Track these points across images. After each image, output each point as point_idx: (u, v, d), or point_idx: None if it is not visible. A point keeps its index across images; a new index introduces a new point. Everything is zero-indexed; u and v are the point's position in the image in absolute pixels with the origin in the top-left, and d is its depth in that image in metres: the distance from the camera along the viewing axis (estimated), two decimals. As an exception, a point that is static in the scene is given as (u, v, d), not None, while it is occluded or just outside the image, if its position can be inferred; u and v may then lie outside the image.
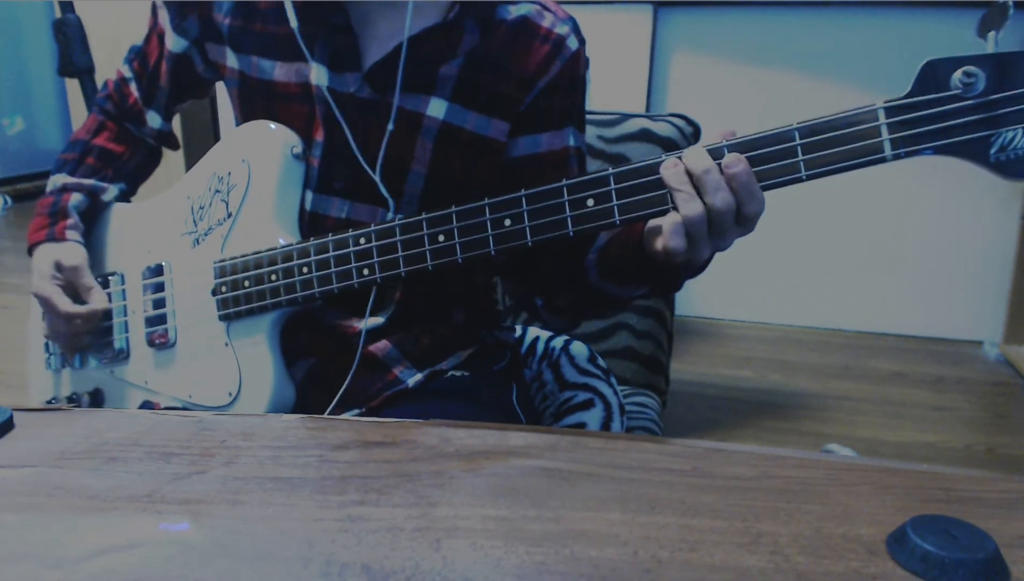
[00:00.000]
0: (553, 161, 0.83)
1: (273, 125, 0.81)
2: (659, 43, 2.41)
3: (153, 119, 0.95)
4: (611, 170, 0.65)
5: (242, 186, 0.81)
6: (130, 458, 0.54)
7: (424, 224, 0.71)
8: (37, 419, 0.61)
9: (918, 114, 0.57)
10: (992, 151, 0.56)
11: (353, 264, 0.74)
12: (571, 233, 0.67)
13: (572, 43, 0.81)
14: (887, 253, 2.46)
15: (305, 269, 0.76)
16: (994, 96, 0.56)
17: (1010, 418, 2.02)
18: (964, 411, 2.04)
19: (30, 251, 0.89)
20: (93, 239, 0.94)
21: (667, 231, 0.64)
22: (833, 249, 2.49)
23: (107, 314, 0.90)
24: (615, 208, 0.65)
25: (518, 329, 1.06)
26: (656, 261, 0.69)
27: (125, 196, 0.98)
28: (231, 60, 0.84)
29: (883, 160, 0.58)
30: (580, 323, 0.96)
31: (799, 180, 0.60)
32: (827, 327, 2.56)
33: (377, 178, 0.78)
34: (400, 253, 0.72)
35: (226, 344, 0.81)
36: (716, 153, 0.62)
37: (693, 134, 1.26)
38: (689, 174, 0.62)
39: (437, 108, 0.79)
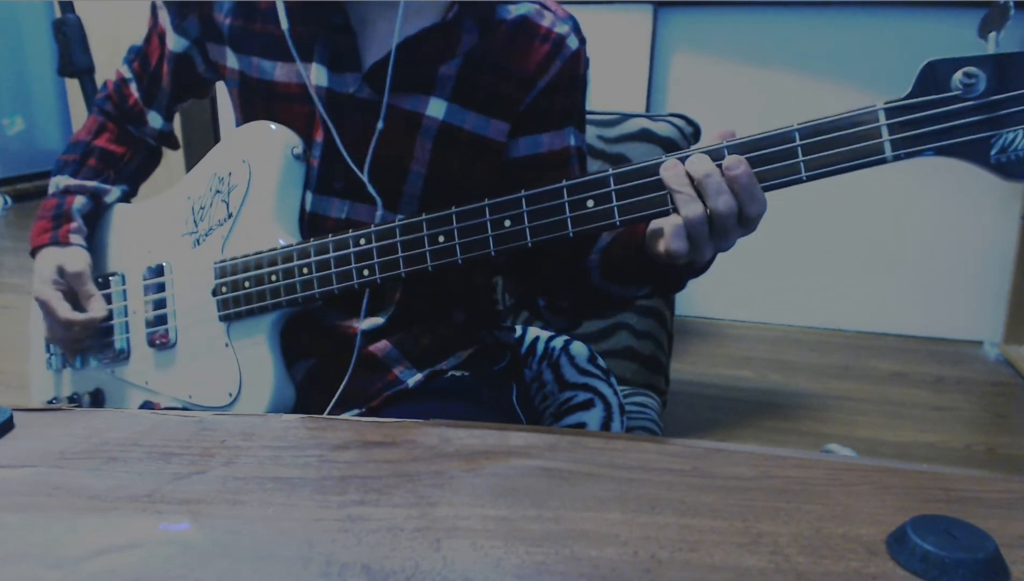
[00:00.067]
0: (554, 161, 0.83)
1: (273, 126, 0.81)
2: (659, 43, 2.41)
3: (154, 119, 0.95)
4: (611, 171, 0.65)
5: (242, 186, 0.81)
6: (130, 458, 0.54)
7: (424, 225, 0.71)
8: (37, 419, 0.61)
9: (919, 115, 0.57)
10: (993, 152, 0.56)
11: (353, 265, 0.74)
12: (571, 234, 0.66)
13: (572, 42, 0.81)
14: (887, 253, 2.46)
15: (305, 269, 0.76)
16: (995, 97, 0.56)
17: (1010, 418, 2.02)
18: (964, 411, 2.04)
19: (33, 254, 0.89)
20: (94, 240, 0.94)
21: (668, 234, 0.64)
22: (833, 249, 2.49)
23: (109, 313, 0.90)
24: (615, 209, 0.65)
25: (518, 329, 1.06)
26: (658, 262, 0.69)
27: (126, 197, 0.98)
28: (231, 60, 0.84)
29: (883, 161, 0.58)
30: (582, 323, 0.96)
31: (799, 181, 0.60)
32: (827, 327, 2.56)
33: (365, 177, 0.78)
34: (400, 254, 0.72)
35: (226, 344, 0.81)
36: (716, 154, 0.62)
37: (693, 134, 1.26)
38: (690, 177, 0.62)
39: (436, 108, 0.79)
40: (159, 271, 0.87)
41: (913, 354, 2.37)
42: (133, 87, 0.95)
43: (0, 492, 0.49)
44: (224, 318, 0.81)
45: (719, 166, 0.61)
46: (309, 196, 0.81)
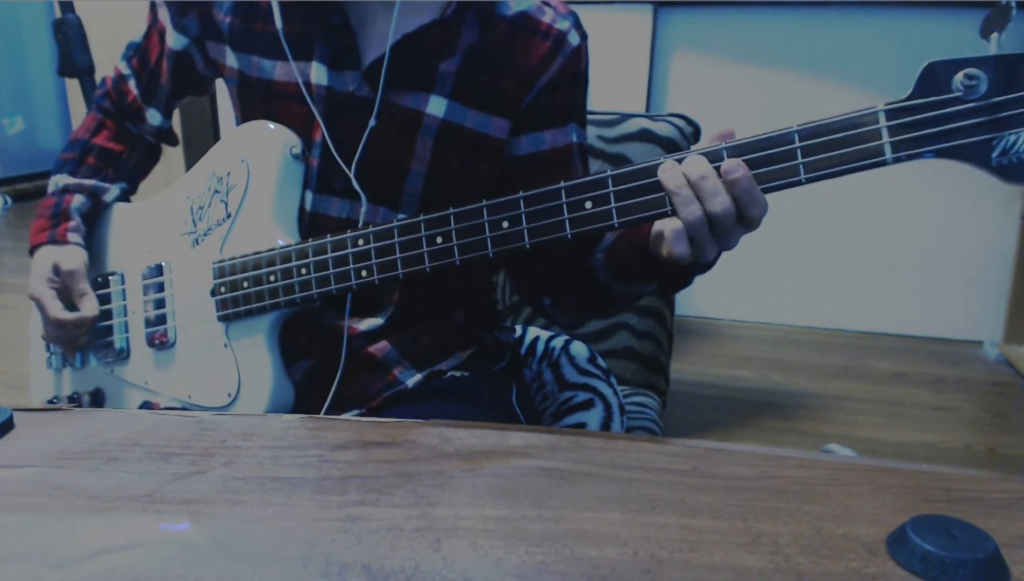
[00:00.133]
0: (557, 159, 0.83)
1: (272, 125, 0.81)
2: (659, 43, 2.41)
3: (153, 116, 0.95)
4: (609, 172, 0.65)
5: (241, 186, 0.81)
6: (130, 458, 0.54)
7: (422, 225, 0.71)
8: (37, 419, 0.61)
9: (919, 117, 0.57)
10: (994, 155, 0.56)
11: (351, 265, 0.74)
12: (569, 235, 0.66)
13: (573, 38, 0.81)
14: (887, 253, 2.46)
15: (304, 270, 0.76)
16: (996, 99, 0.55)
17: (1010, 418, 2.02)
18: (964, 411, 2.04)
19: (31, 252, 0.89)
20: (93, 239, 0.94)
21: (669, 238, 0.64)
22: (833, 249, 2.49)
23: (105, 314, 0.89)
24: (613, 210, 0.65)
25: (518, 329, 1.06)
26: (663, 261, 0.69)
27: (126, 195, 0.98)
28: (231, 59, 0.84)
29: (884, 163, 0.58)
30: (588, 321, 0.95)
31: (799, 183, 0.60)
32: (827, 327, 2.56)
33: (352, 174, 0.78)
34: (398, 254, 0.72)
35: (225, 345, 0.81)
36: (715, 156, 0.62)
37: (693, 134, 1.26)
38: (687, 178, 0.62)
39: (437, 106, 0.79)
40: (158, 271, 0.87)
41: (913, 354, 2.37)
42: (132, 84, 0.94)
43: (0, 492, 0.49)
44: (223, 318, 0.81)
45: (717, 168, 0.61)
46: (309, 196, 0.81)
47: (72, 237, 0.89)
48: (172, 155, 1.08)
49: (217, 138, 2.65)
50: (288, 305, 0.78)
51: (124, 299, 0.90)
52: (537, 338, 1.04)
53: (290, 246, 0.77)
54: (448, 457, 0.54)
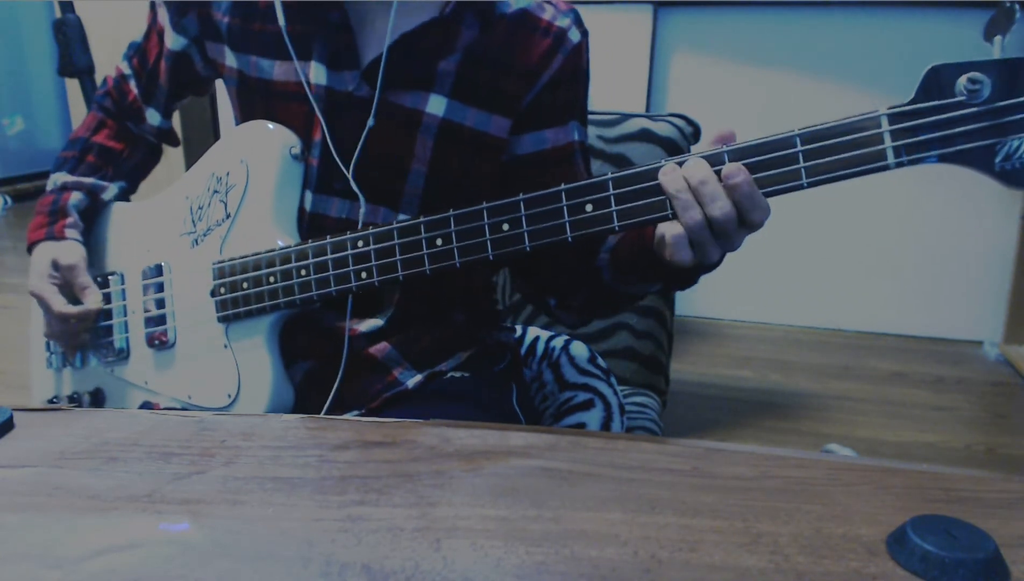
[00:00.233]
0: (558, 157, 0.83)
1: (271, 125, 0.81)
2: (659, 43, 2.41)
3: (152, 116, 0.95)
4: (610, 175, 0.64)
5: (240, 187, 0.81)
6: (130, 458, 0.54)
7: (422, 227, 0.70)
8: (37, 419, 0.61)
9: (922, 121, 0.56)
10: (997, 160, 0.55)
11: (351, 267, 0.74)
12: (570, 238, 0.66)
13: (574, 35, 0.81)
14: (887, 253, 2.46)
15: (303, 272, 0.76)
16: (1000, 103, 0.54)
17: (1010, 418, 2.02)
18: (964, 411, 2.04)
19: (30, 250, 0.89)
20: (93, 238, 0.94)
21: (670, 244, 0.63)
22: (833, 249, 2.49)
23: (105, 314, 0.89)
24: (614, 213, 0.64)
25: (518, 329, 1.06)
26: (667, 262, 0.69)
27: (125, 194, 0.98)
28: (230, 59, 0.84)
29: (886, 168, 0.57)
30: (594, 320, 0.95)
31: (800, 187, 0.59)
32: (827, 327, 2.56)
33: (350, 174, 0.78)
34: (398, 256, 0.72)
35: (225, 346, 0.81)
36: (716, 159, 0.61)
37: (693, 134, 1.26)
38: (687, 182, 0.61)
39: (436, 105, 0.78)
40: (158, 271, 0.87)
41: (913, 354, 2.37)
42: (132, 84, 0.95)
43: (0, 492, 0.49)
44: (223, 319, 0.81)
45: (719, 172, 0.60)
46: (309, 196, 0.81)
47: (69, 233, 0.89)
48: (172, 155, 1.07)
49: (217, 138, 2.65)
50: (288, 306, 0.77)
51: (124, 299, 0.90)
52: (537, 338, 1.04)
53: (290, 247, 0.77)
54: (448, 457, 0.54)
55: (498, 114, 0.80)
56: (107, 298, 0.90)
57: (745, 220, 0.62)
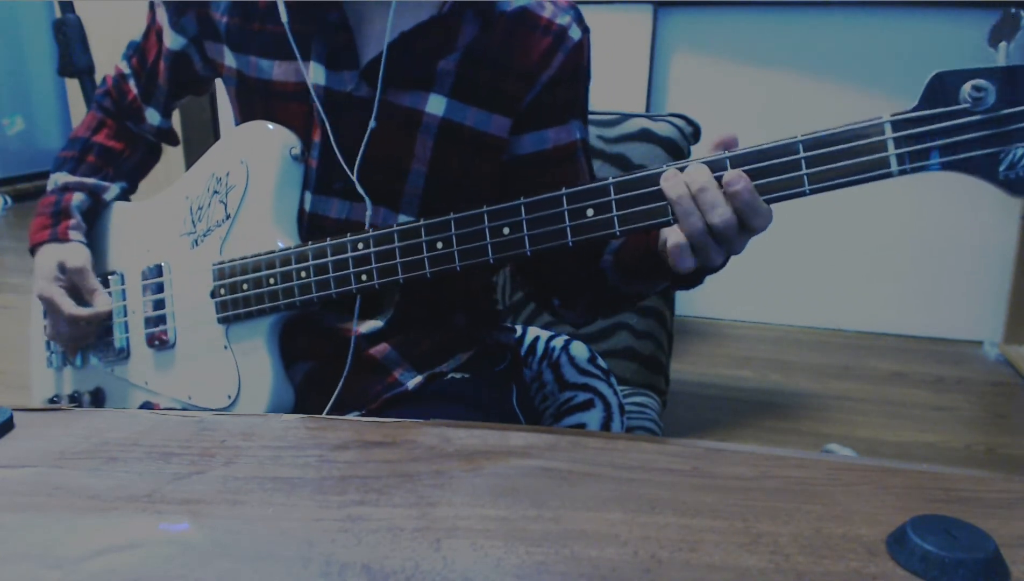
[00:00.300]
0: (560, 157, 0.82)
1: (271, 126, 0.81)
2: (659, 43, 2.41)
3: (152, 116, 0.95)
4: (611, 180, 0.64)
5: (240, 187, 0.81)
6: (130, 458, 0.54)
7: (422, 230, 0.70)
8: (37, 419, 0.61)
9: (926, 128, 0.56)
10: (1001, 168, 0.55)
11: (351, 270, 0.74)
12: (570, 243, 0.66)
13: (574, 33, 0.80)
14: (887, 253, 2.46)
15: (303, 274, 0.76)
16: (1004, 111, 0.54)
17: (1010, 418, 2.02)
18: (964, 411, 2.04)
19: (32, 251, 0.89)
20: (93, 238, 0.94)
21: (672, 251, 0.63)
22: (833, 249, 2.49)
23: (112, 311, 0.90)
24: (615, 218, 0.64)
25: (518, 329, 1.06)
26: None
27: (125, 194, 0.98)
28: (229, 59, 0.84)
29: (889, 175, 0.57)
30: (599, 319, 0.95)
31: (802, 194, 0.59)
32: (827, 327, 2.56)
33: (355, 177, 0.78)
34: (398, 259, 0.71)
35: (225, 347, 0.81)
36: (718, 165, 0.61)
37: (693, 134, 1.26)
38: (688, 189, 0.61)
39: (436, 105, 0.78)
40: (158, 271, 0.87)
41: (913, 354, 2.37)
42: (131, 83, 0.94)
43: (0, 492, 0.49)
44: (222, 320, 0.81)
45: (720, 177, 0.60)
46: (308, 197, 0.81)
47: (74, 235, 0.89)
48: (172, 155, 1.07)
49: (217, 138, 2.65)
50: (288, 308, 0.77)
51: (124, 299, 0.90)
52: (537, 338, 1.04)
53: (289, 249, 0.77)
54: (448, 457, 0.54)
55: (498, 114, 0.80)
56: (110, 301, 0.90)
57: (746, 226, 0.61)
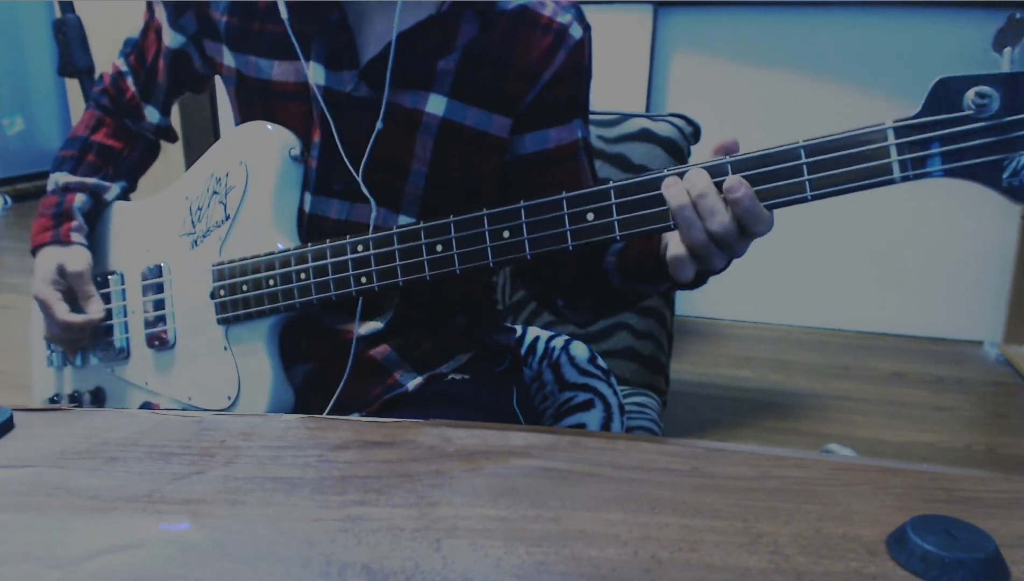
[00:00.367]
0: (562, 156, 0.82)
1: (271, 126, 0.80)
2: (659, 43, 2.41)
3: (151, 114, 0.94)
4: (612, 184, 0.64)
5: (240, 188, 0.81)
6: (130, 458, 0.54)
7: (422, 233, 0.70)
8: (37, 419, 0.61)
9: (929, 135, 0.55)
10: (1005, 175, 0.54)
11: (351, 272, 0.73)
12: (570, 247, 0.65)
13: (575, 31, 0.79)
14: (887, 253, 2.46)
15: (303, 275, 0.76)
16: (1008, 118, 0.53)
17: (1010, 418, 2.02)
18: (964, 411, 2.04)
19: (34, 253, 0.89)
20: (93, 238, 0.94)
21: (672, 262, 0.63)
22: (833, 249, 2.49)
23: (106, 314, 0.89)
24: (615, 223, 0.64)
25: (518, 329, 1.06)
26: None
27: (125, 193, 0.98)
28: (228, 59, 0.84)
29: (891, 182, 0.56)
30: (602, 318, 0.94)
31: (804, 200, 0.59)
32: (827, 327, 2.56)
33: (360, 178, 0.78)
34: (398, 262, 0.71)
35: (225, 348, 0.81)
36: (719, 170, 0.60)
37: (693, 134, 1.26)
38: (689, 195, 0.61)
39: (436, 105, 0.78)
40: (158, 271, 0.87)
41: (913, 354, 2.37)
42: (130, 81, 0.94)
43: (0, 492, 0.49)
44: (222, 321, 0.81)
45: (720, 183, 0.60)
46: (308, 197, 0.81)
47: (76, 237, 0.89)
48: (172, 154, 1.08)
49: (217, 137, 2.65)
50: (288, 310, 0.77)
51: (124, 299, 0.90)
52: (537, 338, 1.04)
53: (289, 251, 0.77)
54: (448, 457, 0.54)
55: (499, 113, 0.79)
56: (107, 298, 0.90)
57: (746, 232, 0.61)
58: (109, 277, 0.91)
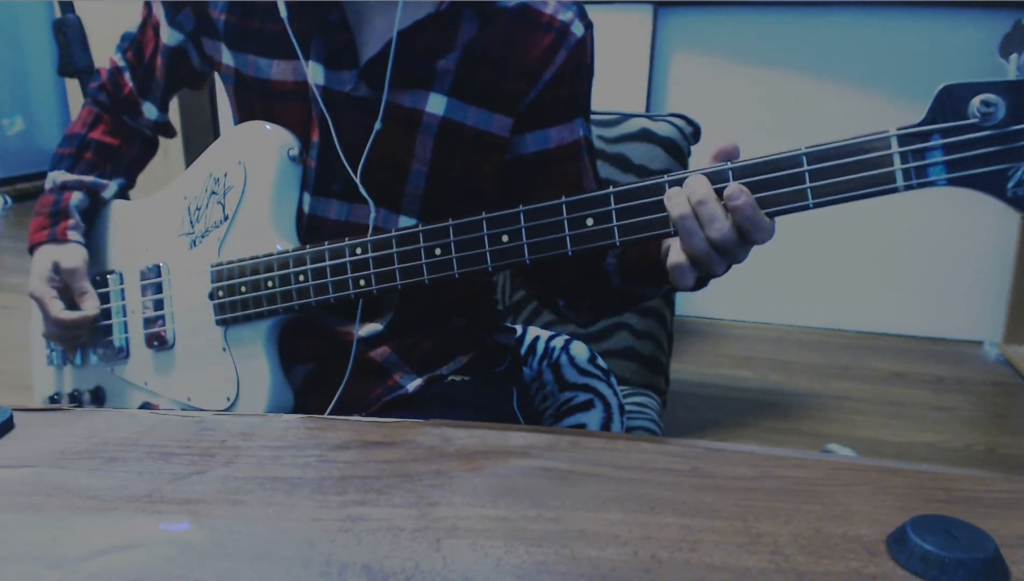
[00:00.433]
0: (563, 155, 0.82)
1: (269, 126, 0.80)
2: (659, 43, 2.41)
3: (149, 110, 0.94)
4: (612, 189, 0.63)
5: (238, 188, 0.81)
6: (130, 458, 0.54)
7: (421, 236, 0.70)
8: (37, 419, 0.61)
9: (933, 143, 0.54)
10: (1010, 185, 0.54)
11: (349, 274, 0.73)
12: (570, 252, 0.65)
13: (577, 29, 0.79)
14: (887, 253, 2.46)
15: (301, 277, 0.75)
16: (1014, 127, 0.53)
17: (1010, 418, 2.02)
18: (964, 411, 2.04)
19: (31, 251, 0.89)
20: (92, 237, 0.94)
21: (671, 270, 0.63)
22: (833, 249, 2.49)
23: (104, 313, 0.89)
24: (615, 229, 0.63)
25: (518, 329, 1.06)
26: None
27: (124, 190, 0.97)
28: (227, 57, 0.83)
29: (895, 190, 0.55)
30: (603, 318, 0.94)
31: (806, 208, 0.58)
32: (827, 327, 2.56)
33: (358, 179, 0.77)
34: (397, 265, 0.71)
35: (224, 349, 0.81)
36: (720, 177, 0.60)
37: (693, 134, 1.26)
38: (690, 203, 0.60)
39: (436, 104, 0.78)
40: (157, 271, 0.87)
41: (913, 354, 2.37)
42: (127, 76, 0.94)
43: (0, 492, 0.49)
44: (221, 322, 0.81)
45: (721, 189, 0.59)
46: (307, 198, 0.81)
47: (72, 235, 0.89)
48: (172, 153, 1.08)
49: (217, 135, 2.65)
50: (286, 311, 0.77)
51: (123, 299, 0.90)
52: (537, 338, 1.04)
53: (288, 252, 0.77)
54: (448, 457, 0.54)
55: (499, 113, 0.79)
56: (106, 297, 0.90)
57: (746, 239, 0.61)
58: (108, 276, 0.91)
